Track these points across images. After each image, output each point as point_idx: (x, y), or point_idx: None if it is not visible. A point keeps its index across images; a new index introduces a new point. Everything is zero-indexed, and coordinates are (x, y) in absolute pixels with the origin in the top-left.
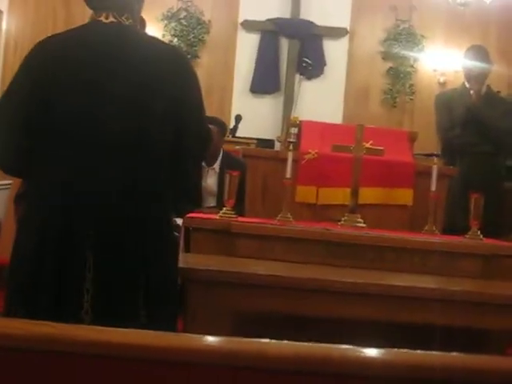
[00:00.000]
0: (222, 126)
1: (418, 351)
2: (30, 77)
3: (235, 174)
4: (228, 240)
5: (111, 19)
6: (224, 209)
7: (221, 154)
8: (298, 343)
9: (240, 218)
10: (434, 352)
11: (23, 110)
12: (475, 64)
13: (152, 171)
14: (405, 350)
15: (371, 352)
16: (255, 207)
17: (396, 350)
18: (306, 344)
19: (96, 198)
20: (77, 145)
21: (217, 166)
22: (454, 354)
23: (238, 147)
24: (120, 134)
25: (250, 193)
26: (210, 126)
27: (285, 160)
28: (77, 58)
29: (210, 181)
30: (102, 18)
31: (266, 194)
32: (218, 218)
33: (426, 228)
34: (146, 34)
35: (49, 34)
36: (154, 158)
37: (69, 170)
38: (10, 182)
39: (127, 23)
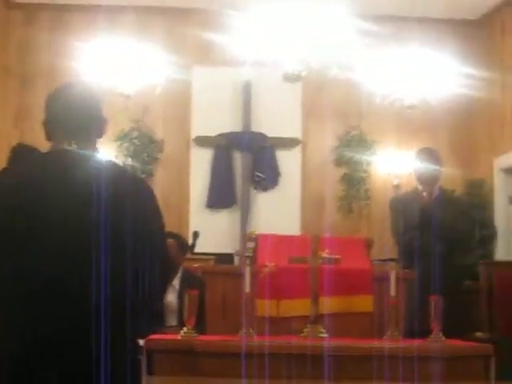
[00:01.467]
0: (180, 240)
1: None
2: None
3: (194, 292)
4: (191, 359)
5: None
6: (185, 328)
7: (180, 271)
8: None
9: (202, 337)
10: None
11: None
12: (426, 166)
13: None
14: None
15: None
16: (216, 323)
17: None
18: None
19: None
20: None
21: (176, 282)
22: None
23: (196, 264)
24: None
25: (211, 309)
26: (169, 240)
27: (242, 275)
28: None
29: (170, 297)
30: (65, 145)
31: (227, 310)
32: (179, 338)
33: (388, 333)
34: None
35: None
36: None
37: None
38: None
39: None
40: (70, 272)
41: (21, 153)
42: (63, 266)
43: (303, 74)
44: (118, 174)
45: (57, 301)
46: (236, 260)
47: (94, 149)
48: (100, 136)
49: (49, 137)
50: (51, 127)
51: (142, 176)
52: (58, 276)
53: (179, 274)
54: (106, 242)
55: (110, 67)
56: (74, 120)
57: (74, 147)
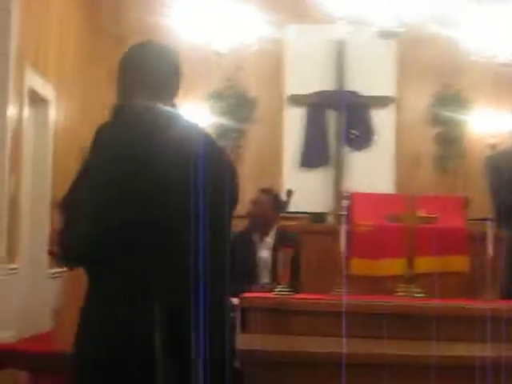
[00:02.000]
0: (276, 197)
1: None
2: (107, 162)
3: (289, 250)
4: (284, 318)
5: (163, 104)
6: (279, 286)
7: (275, 228)
8: None
9: (295, 296)
10: None
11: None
12: None
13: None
14: None
15: None
16: (311, 282)
17: None
18: None
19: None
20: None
21: (270, 239)
22: None
23: (293, 223)
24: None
25: (306, 268)
26: (264, 195)
27: (337, 233)
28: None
29: (264, 254)
30: (155, 104)
31: (322, 269)
32: (273, 296)
33: (485, 294)
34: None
35: (98, 121)
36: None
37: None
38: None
39: (167, 107)
40: (171, 228)
41: (122, 110)
42: (165, 222)
43: (399, 30)
44: (209, 139)
45: (157, 255)
46: (329, 219)
47: (174, 105)
48: (177, 92)
49: (124, 94)
50: (130, 84)
51: (236, 134)
52: (161, 230)
53: (273, 231)
54: (203, 204)
55: (203, 25)
56: (156, 76)
57: (161, 105)
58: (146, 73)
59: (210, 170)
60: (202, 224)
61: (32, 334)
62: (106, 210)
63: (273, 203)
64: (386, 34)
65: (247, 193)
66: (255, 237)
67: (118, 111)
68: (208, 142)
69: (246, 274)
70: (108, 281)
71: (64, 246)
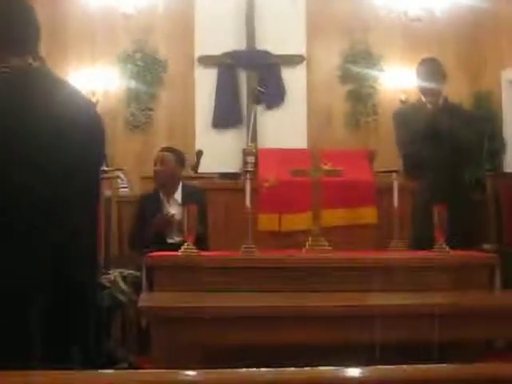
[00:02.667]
0: (178, 154)
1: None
2: None
3: (193, 207)
4: (192, 275)
5: (37, 62)
6: (185, 244)
7: (180, 185)
8: (277, 369)
9: (203, 252)
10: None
11: None
12: (428, 77)
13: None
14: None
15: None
16: (219, 239)
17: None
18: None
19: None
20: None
21: (178, 196)
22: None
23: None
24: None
25: (213, 225)
26: (166, 153)
27: (244, 190)
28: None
29: (173, 210)
30: (31, 61)
31: (229, 226)
32: (179, 254)
33: (392, 245)
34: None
35: None
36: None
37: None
38: None
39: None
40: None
41: None
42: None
43: None
44: (77, 95)
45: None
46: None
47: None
48: (38, 44)
49: None
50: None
51: (147, 97)
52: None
53: (180, 188)
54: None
55: None
56: (26, 32)
57: (35, 63)
58: (9, 28)
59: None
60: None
61: None
62: None
63: (176, 160)
64: None
65: None
66: (162, 196)
67: None
68: (83, 105)
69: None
70: None
71: None
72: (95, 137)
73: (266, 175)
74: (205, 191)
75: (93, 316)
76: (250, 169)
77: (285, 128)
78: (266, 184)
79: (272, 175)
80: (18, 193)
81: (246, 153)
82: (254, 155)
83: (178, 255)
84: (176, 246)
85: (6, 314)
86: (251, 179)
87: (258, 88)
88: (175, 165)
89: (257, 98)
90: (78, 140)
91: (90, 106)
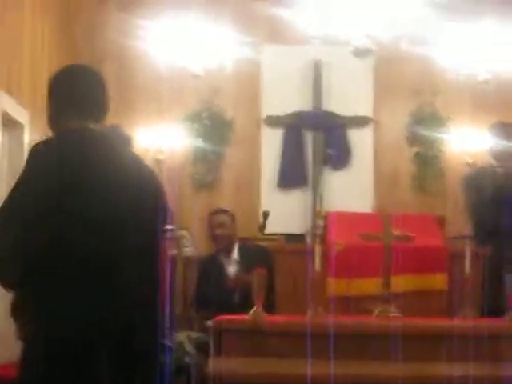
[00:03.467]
0: (231, 215)
1: None
2: (41, 183)
3: (262, 270)
4: (260, 340)
5: (98, 126)
6: (254, 307)
7: (237, 244)
8: None
9: (271, 317)
10: None
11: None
12: (499, 141)
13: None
14: None
15: None
16: (284, 303)
17: None
18: None
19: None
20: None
21: (235, 255)
22: None
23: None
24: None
25: (280, 288)
26: (223, 215)
27: (313, 253)
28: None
29: (231, 270)
30: (91, 125)
31: (297, 289)
32: (247, 317)
33: (462, 312)
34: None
35: None
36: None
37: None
38: None
39: (108, 131)
40: (116, 249)
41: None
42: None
43: (373, 48)
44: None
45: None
46: (307, 240)
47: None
48: (106, 110)
49: (55, 115)
50: (62, 105)
51: (214, 156)
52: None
53: (236, 248)
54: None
55: (178, 47)
56: (90, 97)
57: (96, 126)
58: (72, 93)
59: (144, 200)
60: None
61: (7, 360)
62: (35, 228)
63: (232, 221)
64: (360, 53)
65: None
66: (222, 257)
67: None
68: (143, 169)
69: (219, 295)
70: (46, 299)
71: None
72: (153, 193)
73: (336, 239)
74: (269, 252)
75: (156, 375)
76: (319, 232)
77: (350, 190)
78: (336, 248)
79: (342, 239)
80: (78, 248)
81: (315, 215)
82: (323, 218)
83: (245, 319)
84: (238, 307)
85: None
86: (320, 242)
87: (329, 150)
88: (232, 226)
89: (326, 160)
90: (135, 197)
91: (147, 166)
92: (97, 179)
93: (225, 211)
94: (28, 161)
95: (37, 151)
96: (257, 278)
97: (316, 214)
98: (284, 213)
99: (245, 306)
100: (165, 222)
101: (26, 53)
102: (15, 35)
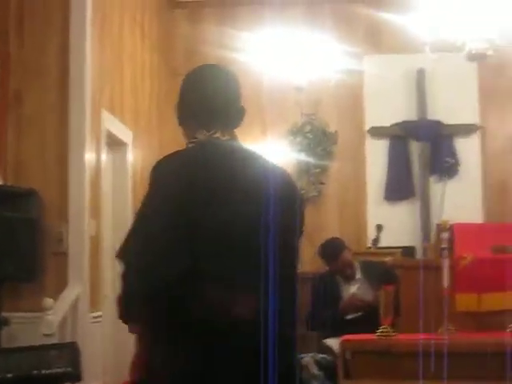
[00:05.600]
0: (343, 245)
1: None
2: (167, 197)
3: (390, 287)
4: (390, 361)
5: (226, 136)
6: (381, 327)
7: (358, 266)
8: None
9: (400, 336)
10: None
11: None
12: None
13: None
14: None
15: None
16: (409, 321)
17: None
18: None
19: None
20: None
21: (358, 275)
22: None
23: (387, 258)
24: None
25: (405, 305)
26: (343, 253)
27: (437, 268)
28: (204, 177)
29: (352, 289)
30: (219, 135)
31: (423, 305)
32: (375, 338)
33: None
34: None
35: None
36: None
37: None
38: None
39: (236, 139)
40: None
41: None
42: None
43: (489, 52)
44: (284, 175)
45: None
46: (418, 252)
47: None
48: (238, 126)
49: (183, 125)
50: (187, 115)
51: (318, 170)
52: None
53: (358, 268)
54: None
55: (280, 59)
56: (214, 106)
57: (225, 136)
58: (199, 101)
59: (281, 205)
60: (272, 259)
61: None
62: (169, 257)
63: (344, 247)
64: (475, 57)
65: (332, 230)
66: (338, 278)
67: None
68: (277, 174)
69: (335, 315)
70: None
71: (124, 309)
72: (291, 205)
73: (463, 252)
74: (393, 269)
75: None
76: (445, 245)
77: (459, 200)
78: (464, 261)
79: (469, 252)
80: (204, 261)
81: (440, 228)
82: (447, 231)
83: (375, 340)
84: (352, 322)
85: None
86: (447, 256)
87: (447, 159)
88: (346, 253)
89: (444, 171)
90: (268, 208)
91: (286, 174)
92: (223, 193)
93: (340, 247)
94: (150, 178)
95: (159, 166)
96: (385, 296)
97: (441, 226)
98: (392, 226)
99: (361, 325)
100: (301, 232)
101: (127, 74)
102: (115, 56)
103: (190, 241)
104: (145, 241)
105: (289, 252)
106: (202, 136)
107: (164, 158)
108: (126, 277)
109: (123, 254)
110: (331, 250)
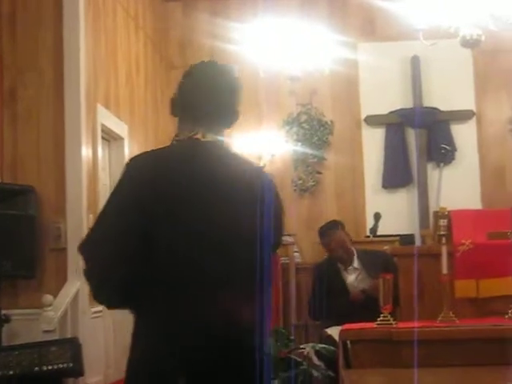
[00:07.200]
0: (338, 224)
1: None
2: (128, 196)
3: (389, 276)
4: (391, 349)
5: (209, 137)
6: (381, 316)
7: (355, 253)
8: None
9: (400, 324)
10: None
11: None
12: None
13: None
14: None
15: None
16: (408, 308)
17: None
18: None
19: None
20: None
21: (355, 263)
22: None
23: (385, 247)
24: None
25: (404, 293)
26: (333, 231)
27: (436, 255)
28: (175, 178)
29: (351, 278)
30: (199, 136)
31: (422, 293)
32: (375, 326)
33: None
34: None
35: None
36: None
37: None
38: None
39: (217, 140)
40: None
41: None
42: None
43: (483, 38)
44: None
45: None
46: (417, 240)
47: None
48: (229, 127)
49: (178, 122)
50: (180, 108)
51: (314, 160)
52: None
53: (355, 256)
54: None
55: (274, 50)
56: (203, 106)
57: (207, 136)
58: (194, 98)
59: (238, 208)
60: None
61: (120, 379)
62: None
63: (343, 231)
64: (468, 43)
65: (330, 219)
66: (338, 264)
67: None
68: (246, 179)
69: (340, 305)
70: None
71: (94, 293)
72: (267, 203)
73: (461, 238)
74: (389, 256)
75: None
76: (443, 232)
77: (456, 186)
78: (462, 248)
79: (467, 238)
80: (186, 262)
81: (438, 215)
82: (446, 218)
83: (374, 328)
84: (358, 315)
85: None
86: (446, 243)
87: (444, 145)
88: (344, 236)
89: (442, 156)
90: (248, 207)
91: (262, 174)
92: (191, 190)
93: (333, 224)
94: (121, 173)
95: (131, 162)
96: (384, 285)
97: (439, 213)
98: (390, 213)
99: (365, 314)
100: (279, 234)
101: (121, 67)
102: (110, 51)
103: (148, 241)
104: (98, 239)
105: (248, 245)
106: (182, 136)
107: (139, 154)
108: (84, 273)
109: (81, 248)
110: (323, 227)
